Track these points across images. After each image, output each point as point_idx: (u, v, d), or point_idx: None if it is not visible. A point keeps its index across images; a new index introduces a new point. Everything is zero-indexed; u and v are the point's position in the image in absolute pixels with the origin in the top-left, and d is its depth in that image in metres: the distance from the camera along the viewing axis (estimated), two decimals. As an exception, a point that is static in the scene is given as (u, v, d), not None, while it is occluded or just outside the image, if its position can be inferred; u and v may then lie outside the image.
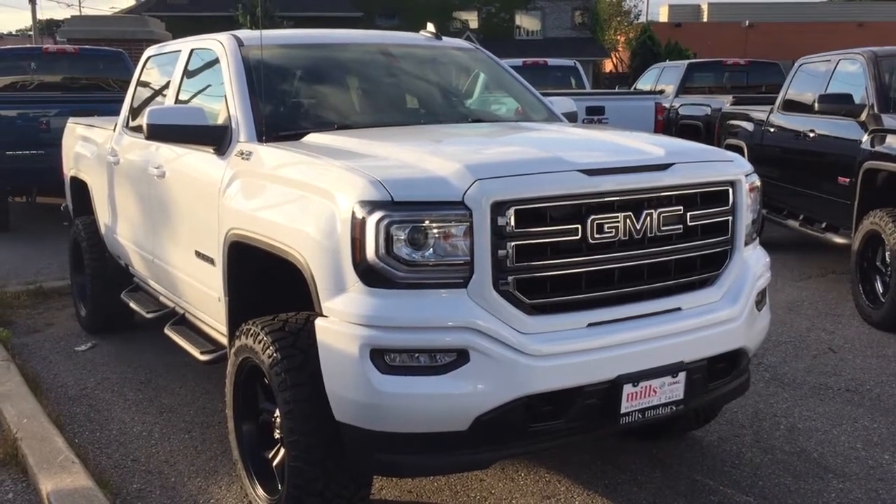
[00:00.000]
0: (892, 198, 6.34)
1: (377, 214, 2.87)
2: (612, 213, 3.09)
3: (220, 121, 4.15)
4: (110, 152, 5.53)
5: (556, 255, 3.01)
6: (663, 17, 50.42)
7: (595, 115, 10.97)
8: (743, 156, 4.67)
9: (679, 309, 3.29)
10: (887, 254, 6.21)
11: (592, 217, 3.04)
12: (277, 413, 3.29)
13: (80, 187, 6.31)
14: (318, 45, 4.83)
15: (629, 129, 4.29)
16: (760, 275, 3.61)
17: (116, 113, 5.87)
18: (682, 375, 3.21)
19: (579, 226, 3.02)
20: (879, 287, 6.37)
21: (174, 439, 4.39)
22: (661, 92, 13.73)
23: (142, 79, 5.63)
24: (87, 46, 12.43)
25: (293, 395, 3.11)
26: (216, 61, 4.43)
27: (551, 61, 14.96)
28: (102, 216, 5.85)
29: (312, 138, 3.85)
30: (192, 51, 4.83)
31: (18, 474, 3.95)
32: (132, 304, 5.46)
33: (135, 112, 5.46)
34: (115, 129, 5.66)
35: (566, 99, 5.15)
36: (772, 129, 8.47)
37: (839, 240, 7.18)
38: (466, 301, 2.90)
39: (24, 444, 4.06)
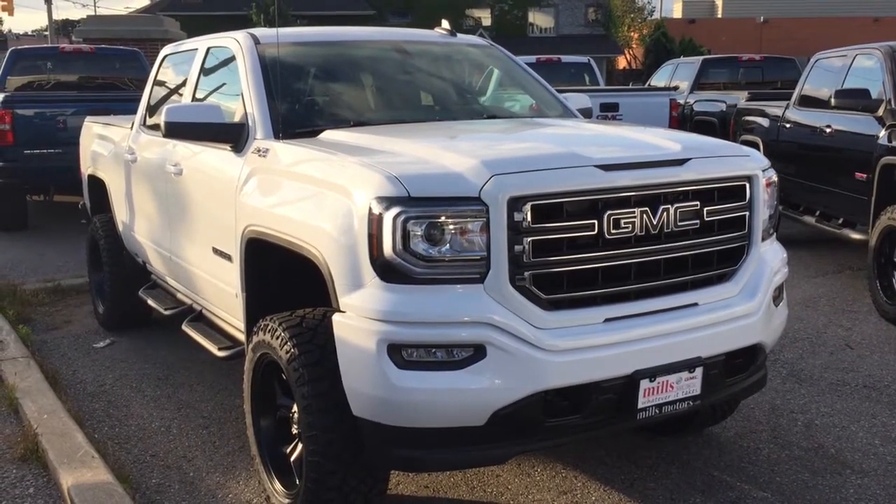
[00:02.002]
0: (909, 193, 6.31)
1: (394, 210, 2.88)
2: (628, 208, 3.09)
3: (237, 118, 4.17)
4: (127, 150, 5.57)
5: (573, 250, 3.01)
6: (677, 13, 50.21)
7: (609, 112, 10.94)
8: (759, 152, 4.67)
9: (696, 304, 3.28)
10: (905, 249, 6.17)
11: (609, 212, 3.04)
12: (295, 408, 3.30)
13: (97, 185, 6.36)
14: (333, 43, 4.85)
15: (644, 126, 4.28)
16: (777, 270, 3.60)
17: (133, 112, 5.91)
18: (699, 371, 3.21)
19: (596, 221, 3.02)
20: (897, 283, 6.34)
21: (192, 435, 4.42)
22: (676, 88, 13.67)
23: (158, 77, 5.67)
24: (103, 46, 12.51)
25: (311, 391, 3.12)
26: (232, 59, 4.46)
27: (565, 58, 14.90)
28: (120, 214, 5.89)
29: (329, 135, 3.87)
30: (208, 49, 4.85)
31: (39, 469, 3.99)
32: (150, 301, 5.50)
33: (152, 110, 5.50)
34: (132, 128, 5.70)
35: (581, 95, 5.15)
36: (788, 125, 8.42)
37: (856, 236, 7.14)
38: (483, 296, 2.91)
39: (44, 440, 4.10)
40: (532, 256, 2.93)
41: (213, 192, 4.27)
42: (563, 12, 43.50)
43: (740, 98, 10.60)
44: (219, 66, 4.73)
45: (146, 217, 5.36)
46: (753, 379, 3.62)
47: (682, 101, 13.04)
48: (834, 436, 4.31)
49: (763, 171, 3.50)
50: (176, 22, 18.46)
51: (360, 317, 2.96)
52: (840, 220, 7.50)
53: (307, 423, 3.16)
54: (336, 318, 3.06)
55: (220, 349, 4.27)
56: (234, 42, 4.48)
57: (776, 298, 3.58)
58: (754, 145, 8.49)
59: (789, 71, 13.85)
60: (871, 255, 6.57)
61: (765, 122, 9.02)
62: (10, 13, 24.29)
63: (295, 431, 3.40)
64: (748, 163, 3.49)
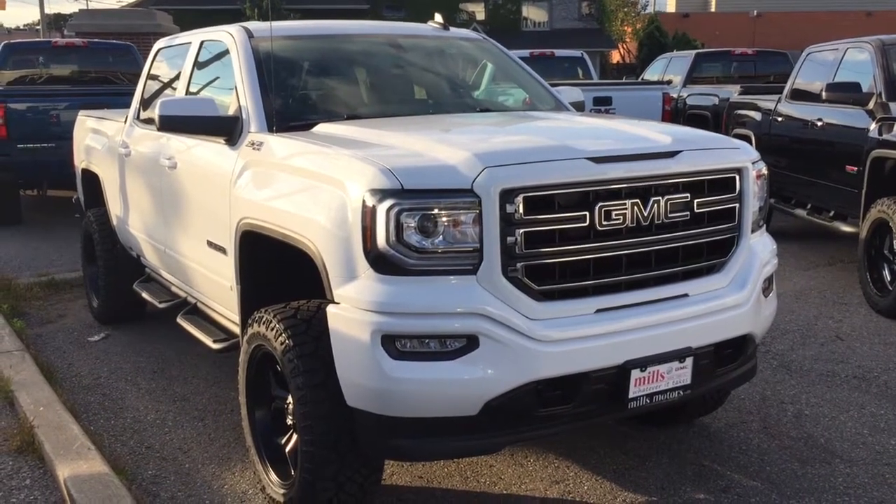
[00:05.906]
0: (899, 186, 6.36)
1: (387, 202, 2.90)
2: (619, 200, 3.12)
3: (231, 112, 4.19)
4: (121, 144, 5.58)
5: (565, 241, 3.04)
6: (671, 7, 50.23)
7: (602, 106, 10.97)
8: (751, 145, 4.70)
9: (686, 295, 3.32)
10: (895, 242, 6.22)
11: (600, 204, 3.07)
12: (290, 399, 3.33)
13: (91, 179, 6.36)
14: (326, 37, 4.86)
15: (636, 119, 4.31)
16: (767, 261, 3.64)
17: (126, 106, 5.92)
18: (689, 361, 3.24)
19: (587, 213, 3.05)
20: (887, 275, 6.38)
21: (188, 427, 4.45)
22: (669, 82, 13.71)
23: (152, 71, 5.67)
24: (96, 40, 12.48)
25: (305, 381, 3.15)
26: (226, 53, 4.47)
27: (559, 52, 14.94)
28: (114, 208, 5.90)
29: (322, 128, 3.89)
30: (202, 43, 4.87)
31: (35, 461, 4.01)
32: (144, 295, 5.51)
33: (145, 104, 5.50)
34: (125, 122, 5.70)
35: (574, 89, 5.17)
36: (780, 119, 8.47)
37: (847, 228, 7.19)
38: (476, 287, 2.94)
39: (40, 432, 4.12)
40: (524, 248, 2.96)
41: (207, 186, 4.29)
42: (556, 6, 43.42)
43: (733, 92, 10.64)
44: (212, 60, 4.74)
45: (140, 211, 5.37)
46: (743, 369, 3.66)
47: (675, 95, 13.09)
48: (823, 426, 4.36)
49: (753, 163, 3.54)
50: (169, 16, 18.44)
51: (354, 308, 2.99)
52: (831, 213, 7.54)
53: (302, 413, 3.19)
54: (330, 309, 3.09)
55: (215, 342, 4.30)
56: (228, 36, 4.49)
57: (766, 289, 3.62)
58: (746, 139, 8.51)
59: (781, 65, 13.91)
60: (861, 247, 6.62)
61: (757, 115, 9.06)
62: (2, 7, 24.18)
63: (290, 422, 3.43)
64: (738, 155, 3.53)
